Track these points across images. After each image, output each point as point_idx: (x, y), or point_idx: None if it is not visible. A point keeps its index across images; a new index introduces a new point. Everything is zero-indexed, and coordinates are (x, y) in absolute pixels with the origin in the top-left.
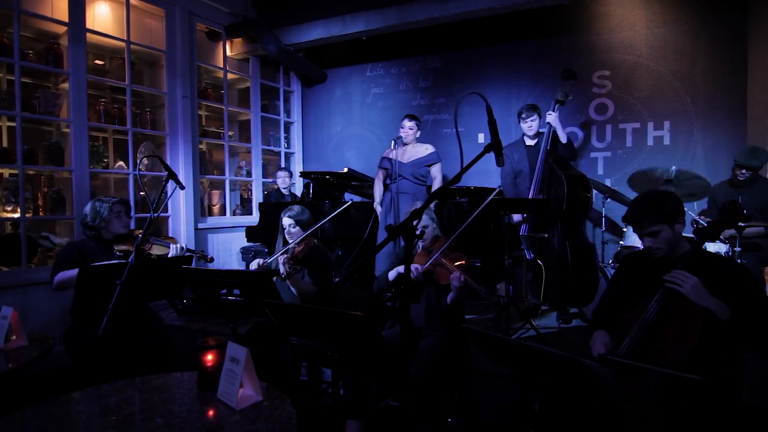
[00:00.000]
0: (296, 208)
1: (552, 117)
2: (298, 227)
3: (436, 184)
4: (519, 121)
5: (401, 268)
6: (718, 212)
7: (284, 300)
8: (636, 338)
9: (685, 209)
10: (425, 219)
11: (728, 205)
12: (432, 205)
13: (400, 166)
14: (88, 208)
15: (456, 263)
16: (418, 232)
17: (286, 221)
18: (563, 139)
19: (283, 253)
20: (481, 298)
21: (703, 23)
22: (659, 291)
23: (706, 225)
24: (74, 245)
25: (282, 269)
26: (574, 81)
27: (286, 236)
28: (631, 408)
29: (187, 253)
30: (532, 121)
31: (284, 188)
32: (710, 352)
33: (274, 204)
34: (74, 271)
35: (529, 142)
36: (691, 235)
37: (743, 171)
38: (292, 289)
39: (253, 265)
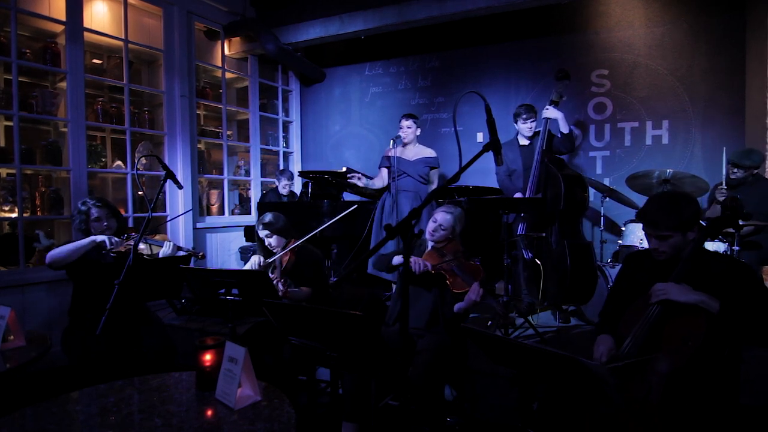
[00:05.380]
0: (267, 216)
1: (550, 111)
2: (275, 236)
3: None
4: (516, 121)
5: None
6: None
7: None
8: (639, 339)
9: None
10: (447, 219)
11: (729, 202)
12: (459, 212)
13: (404, 163)
14: (75, 212)
15: (473, 274)
16: (431, 230)
17: (262, 233)
18: (564, 129)
19: (265, 267)
20: (494, 314)
21: (702, 23)
22: None
23: (705, 224)
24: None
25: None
26: (568, 81)
27: (268, 247)
28: (632, 408)
29: (179, 252)
30: (531, 122)
31: (284, 193)
32: (712, 350)
33: (274, 204)
34: (67, 246)
35: (523, 141)
36: None
37: (735, 170)
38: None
39: (254, 263)
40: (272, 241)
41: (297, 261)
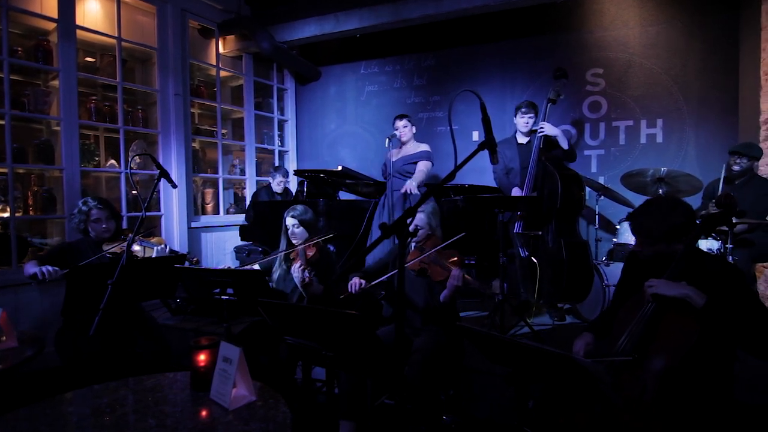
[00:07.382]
0: (299, 207)
1: (547, 128)
2: (301, 227)
3: (417, 177)
4: (515, 114)
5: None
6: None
7: (284, 292)
8: (634, 337)
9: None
10: (422, 219)
11: (723, 199)
12: (431, 207)
13: (391, 165)
14: (75, 210)
15: (450, 260)
16: (411, 230)
17: (290, 221)
18: (564, 145)
19: (287, 256)
20: (476, 293)
21: (696, 22)
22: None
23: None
24: (67, 244)
25: (299, 276)
26: (566, 80)
27: (290, 237)
28: (627, 406)
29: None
30: (529, 118)
31: (278, 190)
32: (706, 348)
33: (268, 203)
34: (34, 269)
35: (521, 139)
36: None
37: (738, 159)
38: (302, 292)
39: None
40: (298, 232)
41: (321, 257)
